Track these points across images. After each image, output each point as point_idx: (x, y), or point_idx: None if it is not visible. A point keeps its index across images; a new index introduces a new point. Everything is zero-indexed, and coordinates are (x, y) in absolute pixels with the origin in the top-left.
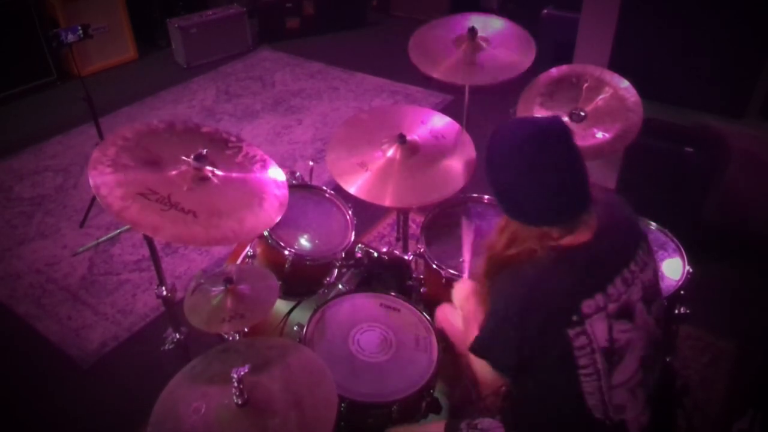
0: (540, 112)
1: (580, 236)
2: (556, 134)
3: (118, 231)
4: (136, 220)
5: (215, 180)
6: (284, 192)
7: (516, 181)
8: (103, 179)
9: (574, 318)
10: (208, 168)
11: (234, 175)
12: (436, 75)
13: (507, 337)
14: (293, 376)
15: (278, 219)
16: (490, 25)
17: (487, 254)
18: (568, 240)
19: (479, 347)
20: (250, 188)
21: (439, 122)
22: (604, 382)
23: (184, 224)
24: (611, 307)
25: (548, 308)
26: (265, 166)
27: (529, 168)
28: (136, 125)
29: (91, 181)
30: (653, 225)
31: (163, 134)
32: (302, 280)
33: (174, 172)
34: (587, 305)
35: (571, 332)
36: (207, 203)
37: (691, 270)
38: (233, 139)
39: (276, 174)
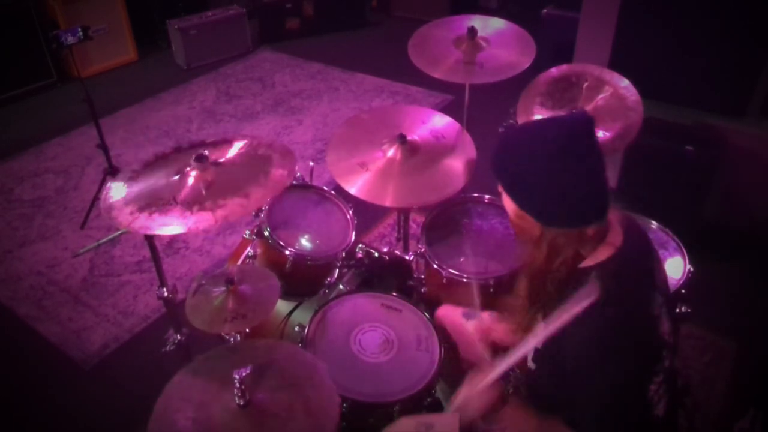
0: (540, 112)
1: (614, 237)
2: (584, 127)
3: (119, 232)
4: (145, 225)
5: (217, 170)
6: (291, 167)
7: (549, 181)
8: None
9: (650, 323)
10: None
11: (237, 159)
12: (436, 75)
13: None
14: (290, 374)
15: (288, 183)
16: (490, 25)
17: (529, 273)
18: (603, 244)
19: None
20: (253, 165)
21: (440, 122)
22: (657, 379)
23: (191, 215)
24: (664, 301)
25: (632, 322)
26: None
27: (562, 165)
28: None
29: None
30: (654, 224)
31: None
32: (303, 280)
33: (177, 177)
34: (655, 306)
35: (658, 334)
36: (212, 189)
37: (692, 269)
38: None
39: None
